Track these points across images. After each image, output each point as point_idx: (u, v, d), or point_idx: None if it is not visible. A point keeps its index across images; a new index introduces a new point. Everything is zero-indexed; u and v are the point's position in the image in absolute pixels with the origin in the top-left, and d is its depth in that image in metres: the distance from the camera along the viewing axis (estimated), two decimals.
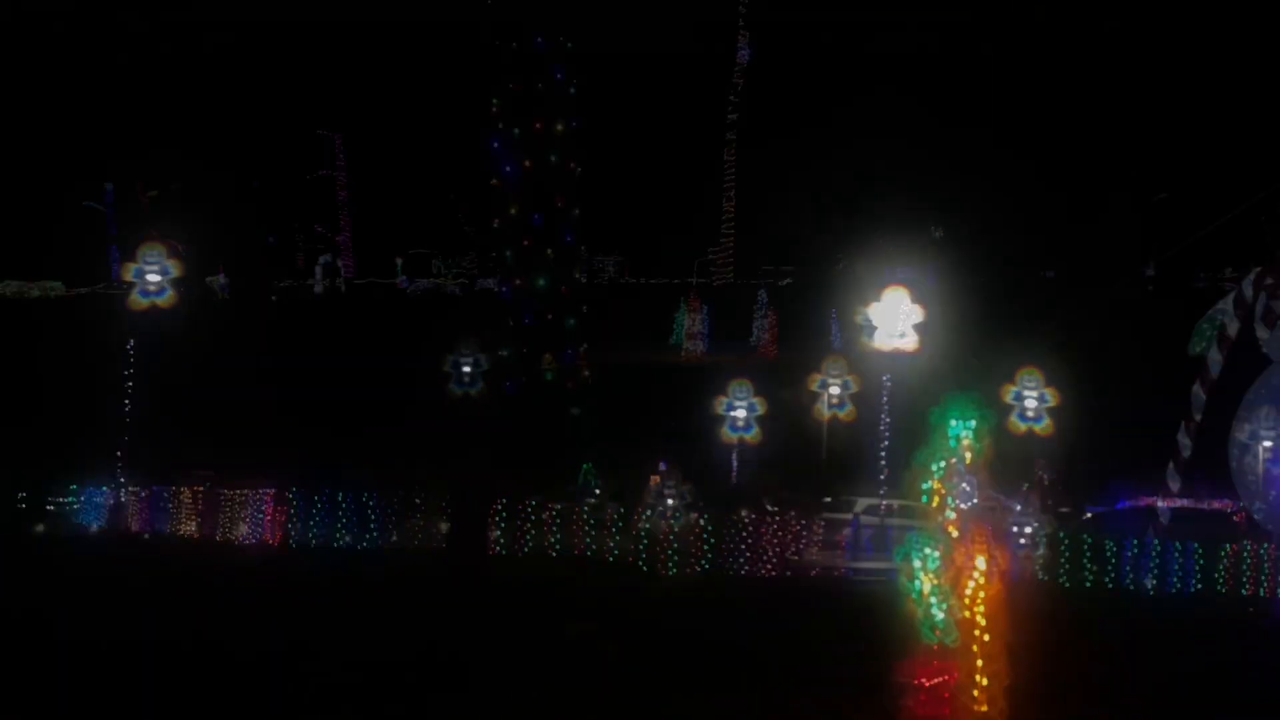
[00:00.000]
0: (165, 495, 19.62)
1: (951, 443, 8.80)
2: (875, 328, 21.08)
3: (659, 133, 63.39)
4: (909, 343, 21.59)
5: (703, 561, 16.92)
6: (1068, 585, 15.06)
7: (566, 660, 10.57)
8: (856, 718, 9.36)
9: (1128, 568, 15.01)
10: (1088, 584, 15.15)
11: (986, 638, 8.39)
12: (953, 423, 8.78)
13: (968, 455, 8.84)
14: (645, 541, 16.86)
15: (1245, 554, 14.47)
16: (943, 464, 8.81)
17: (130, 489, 19.80)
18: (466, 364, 16.43)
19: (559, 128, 14.51)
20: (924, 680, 8.70)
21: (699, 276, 77.54)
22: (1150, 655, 11.49)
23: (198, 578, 13.75)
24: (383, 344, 41.03)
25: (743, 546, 17.28)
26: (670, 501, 17.25)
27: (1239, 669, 11.08)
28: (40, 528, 19.00)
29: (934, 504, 8.84)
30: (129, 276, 20.63)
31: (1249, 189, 11.36)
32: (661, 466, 17.64)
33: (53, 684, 9.42)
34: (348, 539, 17.36)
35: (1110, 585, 15.07)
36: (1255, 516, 14.59)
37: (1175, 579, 14.71)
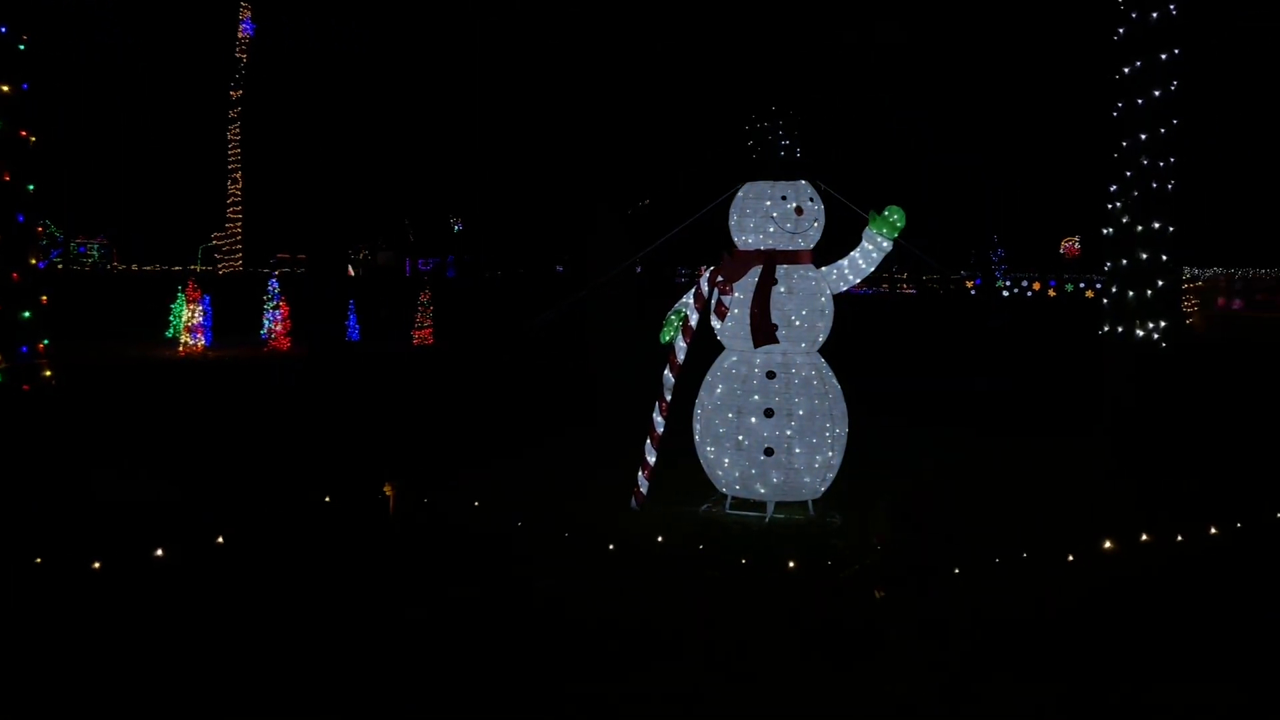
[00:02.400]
0: None
1: None
2: None
3: (160, 107, 57.46)
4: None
5: None
6: None
7: None
8: None
9: None
10: None
11: None
12: None
13: None
14: None
15: None
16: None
17: None
18: None
19: (4, 89, 12.48)
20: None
21: (203, 263, 71.50)
22: None
23: None
24: None
25: None
26: None
27: None
28: None
29: None
30: None
31: (713, 194, 13.20)
32: None
33: None
34: None
35: None
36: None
37: None
